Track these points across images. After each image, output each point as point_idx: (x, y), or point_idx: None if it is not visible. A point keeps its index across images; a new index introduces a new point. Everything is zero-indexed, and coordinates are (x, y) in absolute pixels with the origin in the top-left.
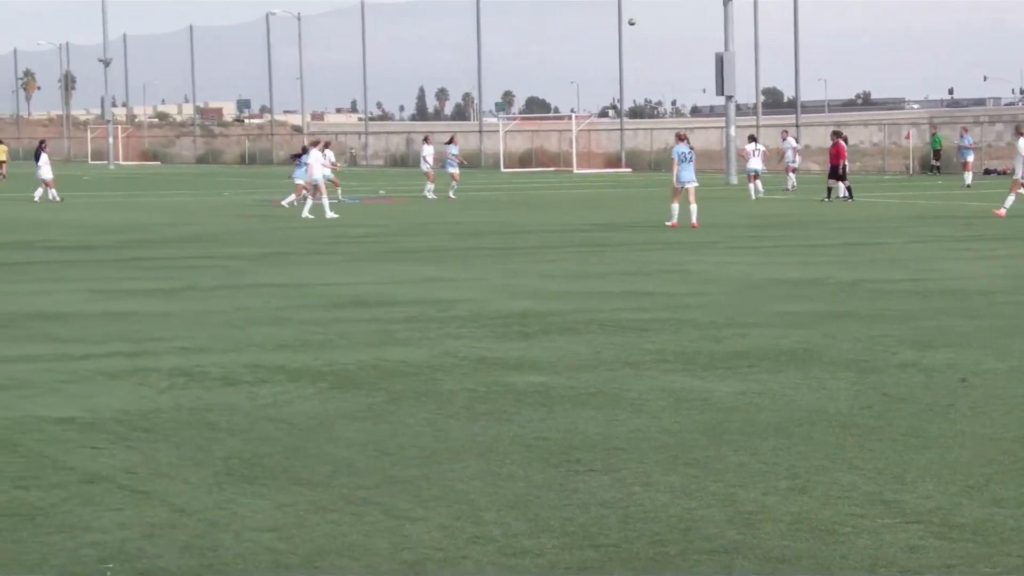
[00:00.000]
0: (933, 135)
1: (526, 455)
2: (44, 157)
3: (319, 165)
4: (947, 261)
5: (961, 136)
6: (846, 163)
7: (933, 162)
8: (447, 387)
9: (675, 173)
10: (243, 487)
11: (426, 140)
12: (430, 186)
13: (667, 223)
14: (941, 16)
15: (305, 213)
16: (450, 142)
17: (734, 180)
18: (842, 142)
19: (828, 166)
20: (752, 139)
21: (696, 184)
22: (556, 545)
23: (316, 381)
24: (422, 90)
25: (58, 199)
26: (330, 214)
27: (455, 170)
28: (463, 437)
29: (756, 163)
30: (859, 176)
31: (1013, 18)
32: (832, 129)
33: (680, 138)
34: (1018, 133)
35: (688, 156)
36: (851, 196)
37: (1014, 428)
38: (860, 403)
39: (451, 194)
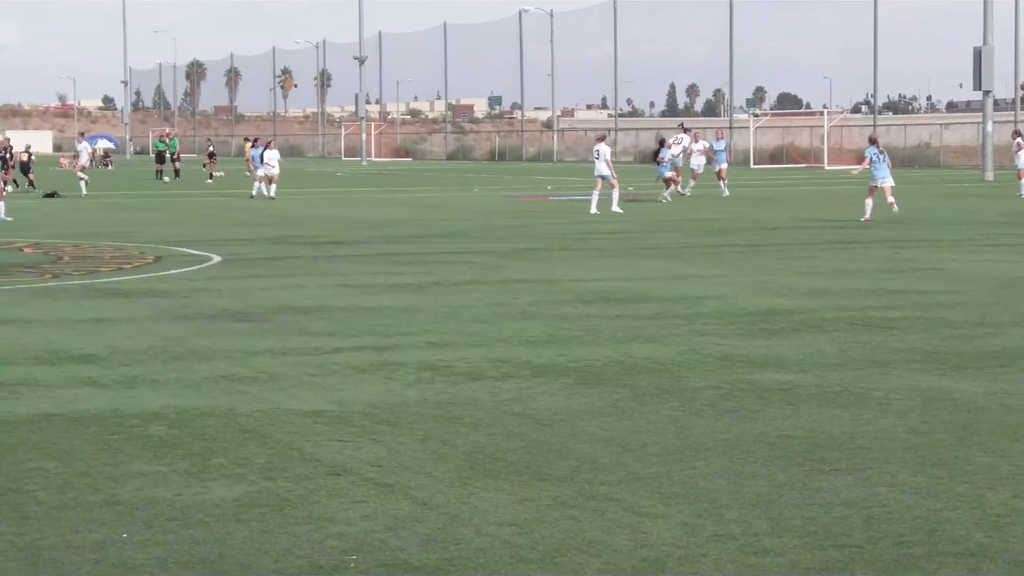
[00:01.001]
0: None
1: (769, 454)
2: (272, 154)
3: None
4: None
5: None
6: None
7: None
8: (691, 384)
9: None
10: (485, 481)
11: (689, 133)
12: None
13: (861, 219)
14: None
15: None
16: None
17: (990, 176)
18: None
19: None
20: (1018, 134)
21: (891, 183)
22: (798, 545)
23: (561, 377)
24: (672, 86)
25: (274, 196)
26: (616, 208)
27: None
28: (706, 435)
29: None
30: None
31: None
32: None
33: (872, 141)
34: None
35: (881, 157)
36: None
37: None
38: None
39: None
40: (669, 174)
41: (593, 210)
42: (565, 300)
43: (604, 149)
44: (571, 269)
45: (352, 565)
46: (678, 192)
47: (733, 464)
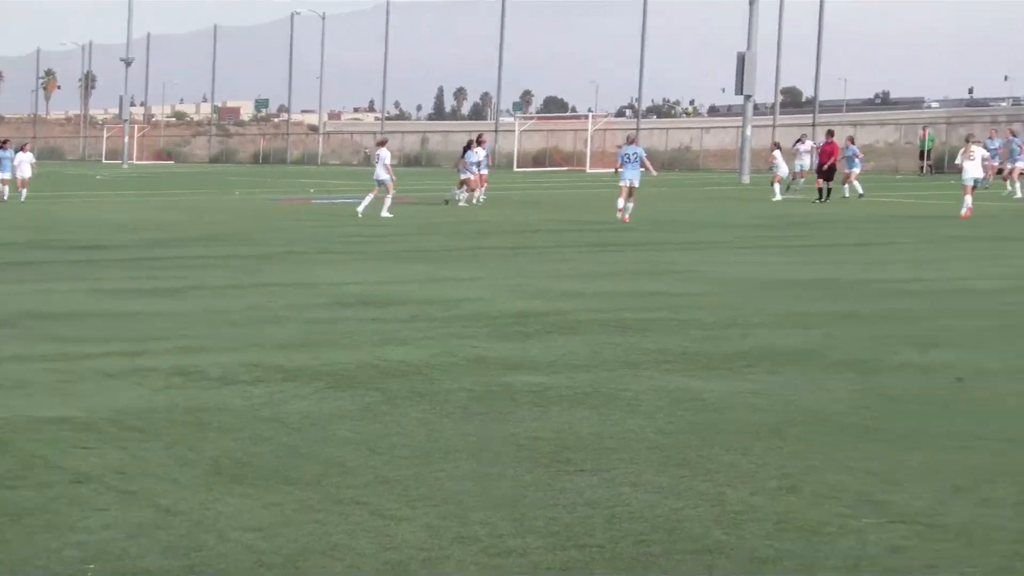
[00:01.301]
0: (923, 137)
1: (517, 455)
2: (24, 156)
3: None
4: (958, 261)
5: (991, 139)
6: (835, 162)
7: (925, 162)
8: (444, 387)
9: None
10: (231, 487)
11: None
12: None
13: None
14: (963, 15)
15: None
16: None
17: (747, 180)
18: (836, 141)
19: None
20: (777, 145)
21: (635, 184)
22: (540, 545)
23: (313, 380)
24: (441, 89)
25: (22, 199)
26: (385, 213)
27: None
28: (456, 437)
29: (804, 160)
30: (872, 176)
31: None
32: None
33: (630, 140)
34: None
35: (632, 157)
36: (823, 198)
37: (1008, 429)
38: (858, 404)
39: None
40: (465, 176)
41: (360, 211)
42: (322, 303)
43: (384, 154)
44: (330, 272)
45: (90, 574)
46: (474, 199)
47: (481, 466)
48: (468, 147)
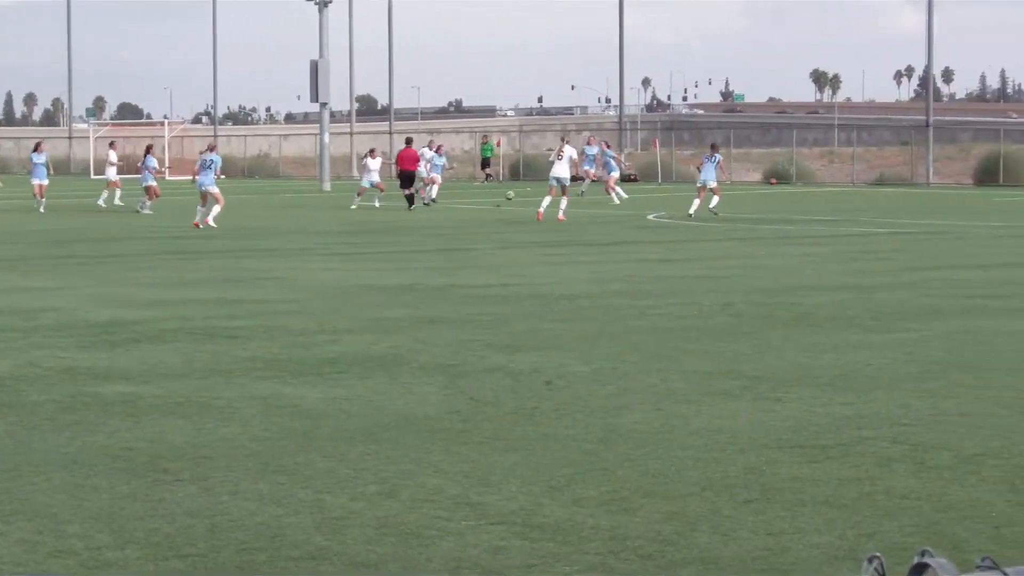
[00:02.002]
0: (484, 143)
1: (112, 466)
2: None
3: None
4: (535, 266)
5: (589, 145)
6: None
7: (485, 170)
8: (31, 399)
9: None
10: None
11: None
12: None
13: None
14: (530, 26)
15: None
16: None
17: (327, 187)
18: (414, 149)
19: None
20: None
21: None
22: (140, 556)
23: None
24: (9, 95)
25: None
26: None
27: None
28: (47, 449)
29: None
30: (450, 182)
31: (600, 31)
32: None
33: (210, 148)
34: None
35: (208, 163)
36: (411, 204)
37: (596, 429)
38: (448, 407)
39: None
40: (151, 183)
41: None
42: None
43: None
44: None
45: None
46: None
47: (75, 478)
48: (148, 152)
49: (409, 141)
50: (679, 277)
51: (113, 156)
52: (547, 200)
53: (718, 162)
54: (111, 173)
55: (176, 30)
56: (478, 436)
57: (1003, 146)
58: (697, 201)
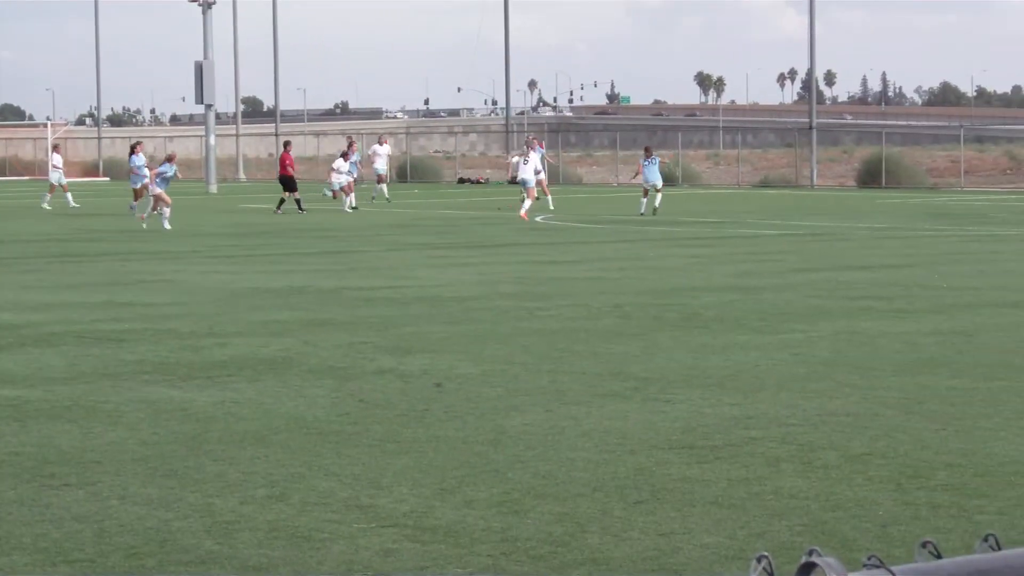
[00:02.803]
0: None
1: None
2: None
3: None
4: (424, 268)
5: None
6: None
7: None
8: None
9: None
10: None
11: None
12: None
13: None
14: (415, 28)
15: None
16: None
17: (214, 189)
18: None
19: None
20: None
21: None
22: (28, 562)
23: None
24: None
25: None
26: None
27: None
28: None
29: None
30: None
31: (487, 33)
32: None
33: (169, 159)
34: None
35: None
36: (301, 207)
37: (486, 431)
38: (338, 410)
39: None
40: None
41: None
42: None
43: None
44: None
45: None
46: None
47: None
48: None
49: (287, 144)
50: (568, 279)
51: (57, 159)
52: (528, 203)
53: (659, 163)
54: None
55: (59, 30)
56: (368, 439)
57: (885, 148)
58: (644, 200)
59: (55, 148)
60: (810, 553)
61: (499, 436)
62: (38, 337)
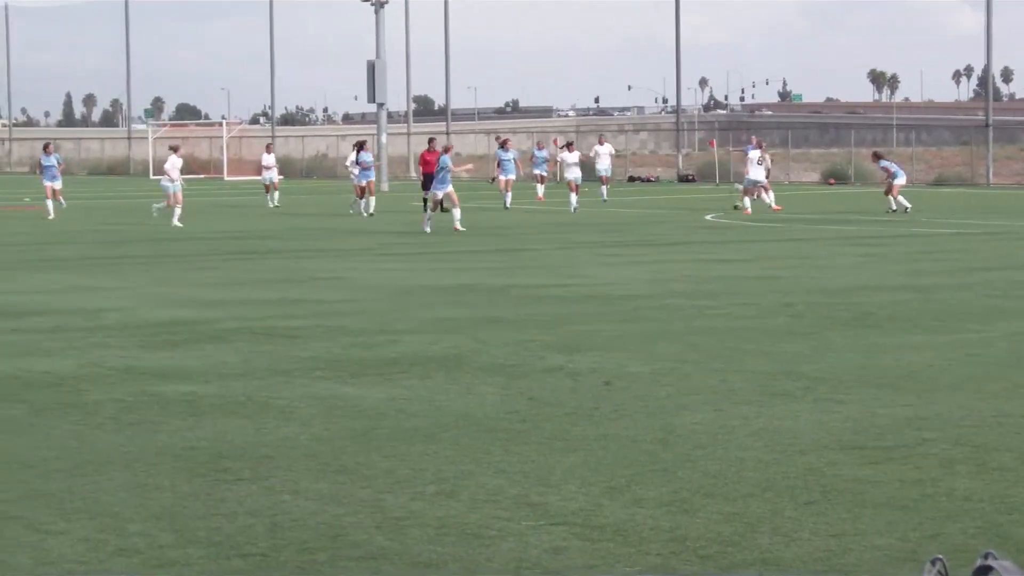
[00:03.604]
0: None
1: (173, 465)
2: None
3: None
4: (593, 267)
5: (539, 148)
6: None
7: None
8: (93, 398)
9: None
10: None
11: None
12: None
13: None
14: (587, 26)
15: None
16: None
17: (385, 187)
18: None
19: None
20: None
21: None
22: (202, 555)
23: None
24: (69, 96)
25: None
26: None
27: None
28: (109, 448)
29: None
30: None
31: (657, 31)
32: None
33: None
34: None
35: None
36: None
37: (655, 430)
38: (507, 407)
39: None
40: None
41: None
42: None
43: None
44: None
45: None
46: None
47: (136, 477)
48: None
49: (431, 141)
50: (738, 277)
51: (270, 159)
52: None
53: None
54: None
55: (234, 31)
56: (537, 436)
57: None
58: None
59: (267, 148)
60: (985, 556)
61: (668, 435)
62: (213, 333)
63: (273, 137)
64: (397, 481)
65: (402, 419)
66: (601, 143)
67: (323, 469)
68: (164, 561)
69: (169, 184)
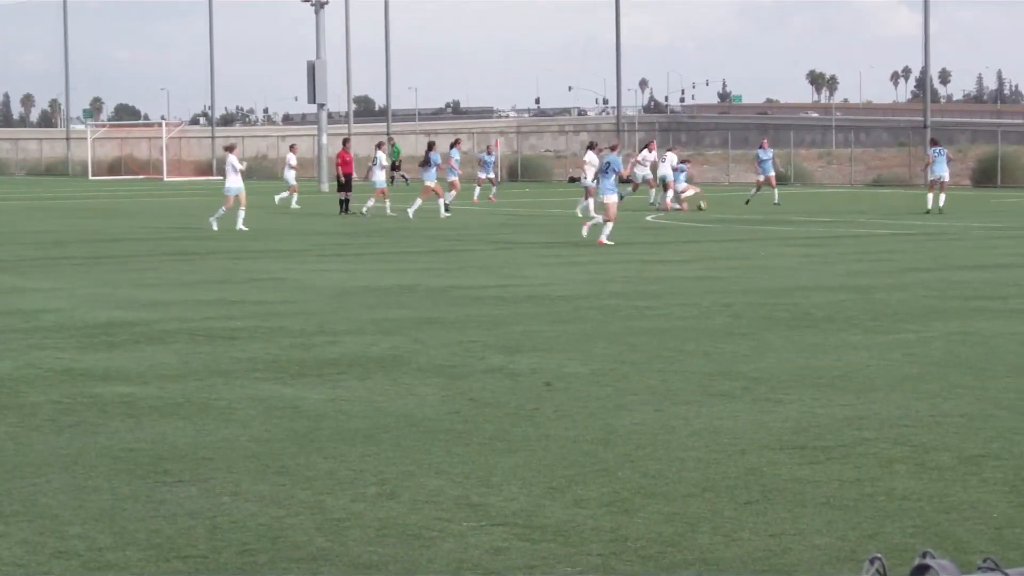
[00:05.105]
0: (393, 144)
1: (113, 467)
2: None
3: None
4: (533, 267)
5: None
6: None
7: (394, 172)
8: (31, 399)
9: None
10: None
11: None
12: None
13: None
14: (529, 28)
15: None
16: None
17: (325, 188)
18: (346, 152)
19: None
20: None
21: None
22: (142, 558)
23: None
24: (7, 96)
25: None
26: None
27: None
28: (47, 450)
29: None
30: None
31: (598, 32)
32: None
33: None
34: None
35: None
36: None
37: (595, 430)
38: (448, 408)
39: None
40: (430, 183)
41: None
42: None
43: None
44: None
45: None
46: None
47: (75, 479)
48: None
49: (345, 142)
50: (678, 278)
51: (292, 159)
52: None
53: (772, 157)
54: (291, 177)
55: (173, 31)
56: (478, 437)
57: (1001, 147)
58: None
59: (292, 148)
60: (924, 555)
61: (609, 435)
62: (152, 334)
63: (213, 137)
64: (338, 482)
65: (342, 420)
66: (650, 150)
67: (263, 471)
68: (103, 563)
69: (232, 187)
